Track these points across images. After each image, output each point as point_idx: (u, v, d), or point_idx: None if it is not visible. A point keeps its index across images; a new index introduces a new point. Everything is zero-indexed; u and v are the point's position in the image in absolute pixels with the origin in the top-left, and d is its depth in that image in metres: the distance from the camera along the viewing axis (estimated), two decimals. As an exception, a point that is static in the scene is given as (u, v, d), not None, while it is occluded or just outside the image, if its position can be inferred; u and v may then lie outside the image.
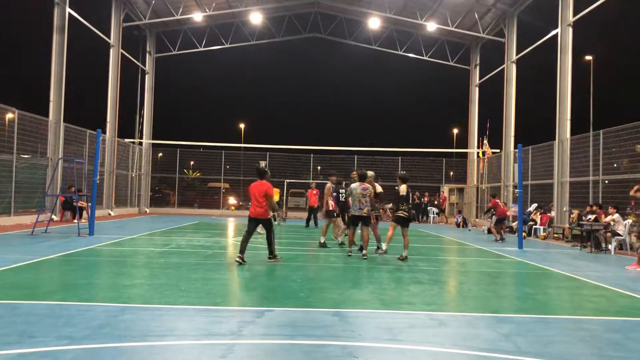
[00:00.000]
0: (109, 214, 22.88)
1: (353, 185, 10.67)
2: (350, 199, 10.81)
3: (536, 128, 31.66)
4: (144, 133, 28.61)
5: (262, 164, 28.19)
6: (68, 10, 19.78)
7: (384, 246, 10.57)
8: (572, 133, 18.97)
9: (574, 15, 19.01)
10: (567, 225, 17.00)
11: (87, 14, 21.90)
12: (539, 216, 18.50)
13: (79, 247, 10.65)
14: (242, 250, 8.97)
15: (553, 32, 20.29)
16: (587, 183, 16.90)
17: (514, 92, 24.72)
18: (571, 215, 16.89)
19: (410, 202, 10.69)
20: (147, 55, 28.96)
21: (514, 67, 24.76)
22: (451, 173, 30.75)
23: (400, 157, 28.75)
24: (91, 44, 25.23)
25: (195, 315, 5.35)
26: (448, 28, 26.58)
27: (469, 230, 22.01)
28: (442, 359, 4.26)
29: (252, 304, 6.09)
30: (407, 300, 6.50)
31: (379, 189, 11.24)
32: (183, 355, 4.08)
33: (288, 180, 27.93)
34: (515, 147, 22.72)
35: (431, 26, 26.96)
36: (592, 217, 14.49)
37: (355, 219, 10.61)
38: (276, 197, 16.39)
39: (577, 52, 24.75)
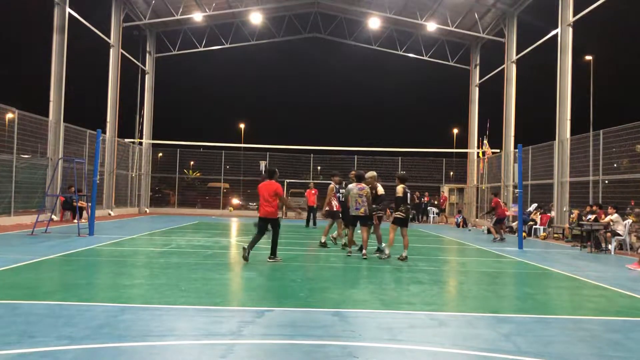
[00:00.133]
0: (109, 214, 22.88)
1: (350, 186, 10.85)
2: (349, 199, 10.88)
3: (536, 128, 31.70)
4: (144, 133, 28.62)
5: (262, 164, 28.21)
6: (68, 10, 19.78)
7: (386, 250, 10.51)
8: (572, 133, 18.97)
9: (574, 15, 19.01)
10: (567, 225, 17.00)
11: (87, 14, 21.93)
12: (539, 216, 18.50)
13: (79, 247, 10.65)
14: (251, 247, 9.12)
15: (553, 32, 20.29)
16: (587, 183, 16.90)
17: (514, 92, 24.72)
18: (571, 215, 16.88)
19: (410, 202, 10.68)
20: (147, 55, 28.97)
21: (514, 67, 24.75)
22: (451, 173, 30.75)
23: (400, 157, 28.76)
24: (91, 44, 25.26)
25: (195, 315, 5.35)
26: (448, 28, 26.58)
27: (469, 230, 22.01)
28: (442, 359, 4.26)
29: (252, 304, 6.09)
30: (407, 300, 6.50)
31: (380, 190, 11.27)
32: (183, 355, 4.08)
33: (288, 180, 27.93)
34: (515, 147, 22.72)
35: (431, 26, 26.96)
36: (592, 217, 14.49)
37: (353, 218, 10.80)
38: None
39: (577, 52, 24.78)
